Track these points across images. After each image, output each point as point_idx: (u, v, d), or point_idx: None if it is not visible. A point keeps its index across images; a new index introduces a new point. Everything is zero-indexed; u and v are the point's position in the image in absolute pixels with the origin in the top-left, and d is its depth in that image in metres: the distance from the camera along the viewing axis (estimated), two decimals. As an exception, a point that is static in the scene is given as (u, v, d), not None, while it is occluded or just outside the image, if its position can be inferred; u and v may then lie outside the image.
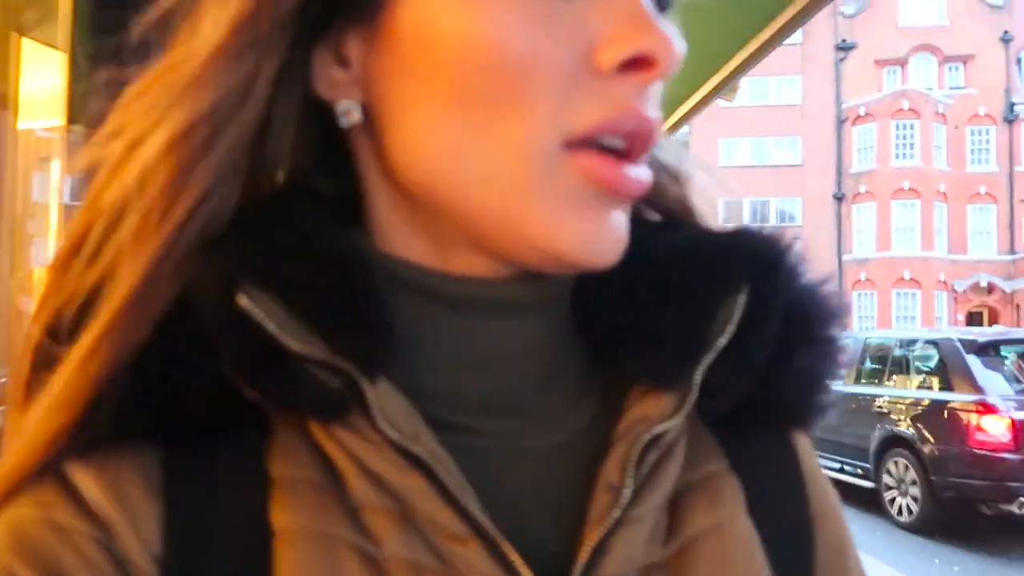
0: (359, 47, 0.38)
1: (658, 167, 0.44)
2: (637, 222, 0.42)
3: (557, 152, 0.36)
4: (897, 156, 27.85)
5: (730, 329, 0.41)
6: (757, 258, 0.43)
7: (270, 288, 0.36)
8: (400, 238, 0.40)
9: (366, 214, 0.41)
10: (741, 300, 0.41)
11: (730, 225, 0.46)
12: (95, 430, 0.35)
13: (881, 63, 29.57)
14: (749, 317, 0.41)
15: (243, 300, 0.35)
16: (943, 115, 28.17)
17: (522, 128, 0.35)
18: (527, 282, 0.40)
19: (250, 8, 0.36)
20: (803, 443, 0.47)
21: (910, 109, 27.65)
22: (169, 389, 0.36)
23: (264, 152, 0.39)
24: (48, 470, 0.36)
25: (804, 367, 0.44)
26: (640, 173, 0.37)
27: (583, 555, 0.37)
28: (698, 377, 0.40)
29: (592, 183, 0.36)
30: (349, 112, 0.39)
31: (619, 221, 0.38)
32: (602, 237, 0.37)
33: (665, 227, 0.44)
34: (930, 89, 28.62)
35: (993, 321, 28.09)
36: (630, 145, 0.37)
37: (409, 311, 0.39)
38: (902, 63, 29.62)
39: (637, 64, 0.36)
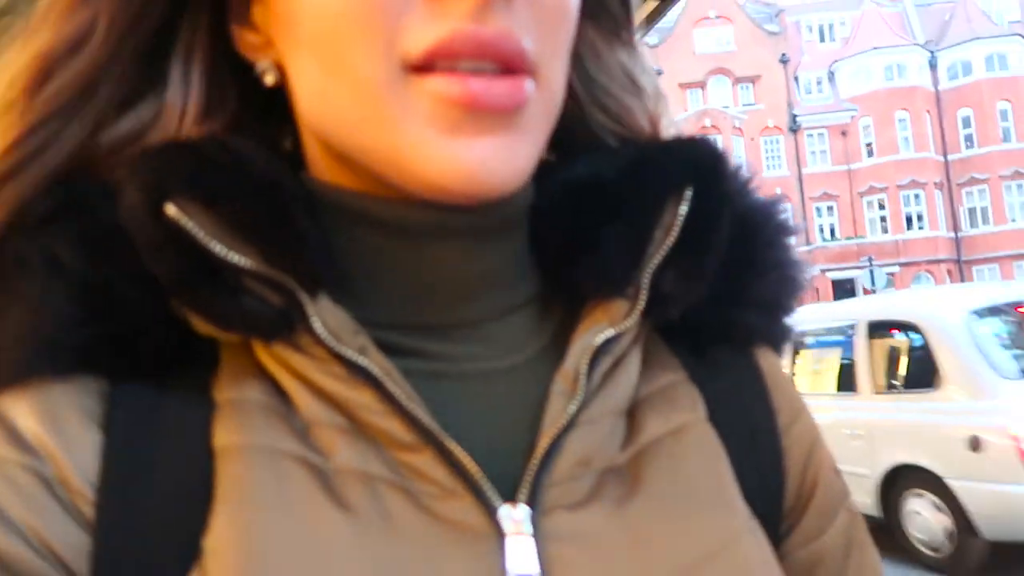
0: (260, 10, 0.39)
1: (622, 83, 0.45)
2: (591, 147, 0.44)
3: (402, 78, 0.34)
4: (706, 167, 31.51)
5: (674, 231, 0.40)
6: (697, 161, 0.43)
7: (200, 200, 0.35)
8: (340, 179, 0.39)
9: (308, 165, 0.41)
10: (686, 198, 0.41)
11: (669, 136, 0.45)
12: (34, 364, 0.35)
13: (684, 86, 33.22)
14: (696, 222, 0.41)
15: (171, 209, 0.34)
16: (740, 128, 32.14)
17: (361, 59, 0.34)
18: (477, 209, 0.38)
19: None
20: (766, 357, 0.47)
21: (712, 125, 31.32)
22: (113, 324, 0.36)
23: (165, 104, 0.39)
24: None
25: (762, 291, 0.44)
26: (508, 87, 0.34)
27: (535, 457, 0.37)
28: (646, 280, 0.40)
29: (445, 104, 0.34)
30: (265, 72, 0.40)
31: (502, 145, 0.35)
32: (477, 162, 0.34)
33: (618, 149, 0.45)
34: (727, 107, 32.60)
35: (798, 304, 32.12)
36: (499, 66, 0.34)
37: (359, 240, 0.39)
38: (702, 85, 33.44)
39: None
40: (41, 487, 0.34)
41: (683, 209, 0.41)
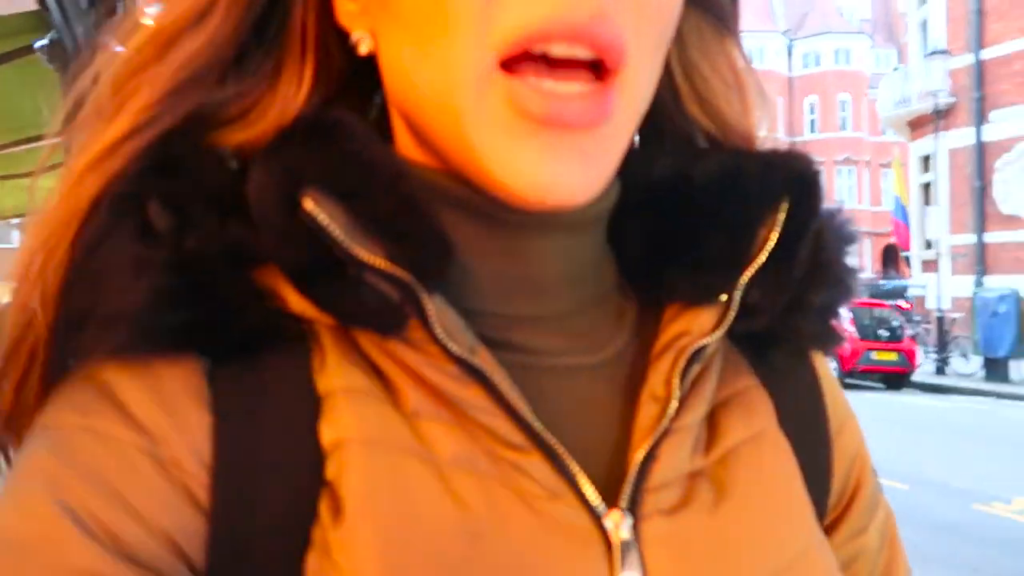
0: None
1: (725, 76, 0.44)
2: (681, 145, 0.44)
3: (490, 73, 0.33)
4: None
5: (769, 245, 0.41)
6: (797, 177, 0.42)
7: (333, 195, 0.35)
8: (425, 159, 0.39)
9: (395, 141, 0.41)
10: (781, 218, 0.41)
11: (766, 146, 0.45)
12: (134, 335, 0.34)
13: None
14: (786, 236, 0.41)
15: (309, 204, 0.34)
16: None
17: (452, 45, 0.33)
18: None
19: None
20: (820, 362, 0.49)
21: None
22: (209, 302, 0.35)
23: (278, 75, 0.39)
24: (86, 375, 0.35)
25: (824, 299, 0.44)
26: (590, 106, 0.33)
27: (634, 463, 0.37)
28: (739, 292, 0.41)
29: (523, 115, 0.33)
30: (360, 40, 0.39)
31: (579, 160, 0.34)
32: (551, 176, 0.34)
33: (707, 151, 0.44)
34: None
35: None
36: (592, 52, 0.33)
37: (454, 228, 0.37)
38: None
39: None
40: (157, 470, 0.33)
41: (778, 230, 0.41)
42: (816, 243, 0.43)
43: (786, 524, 0.40)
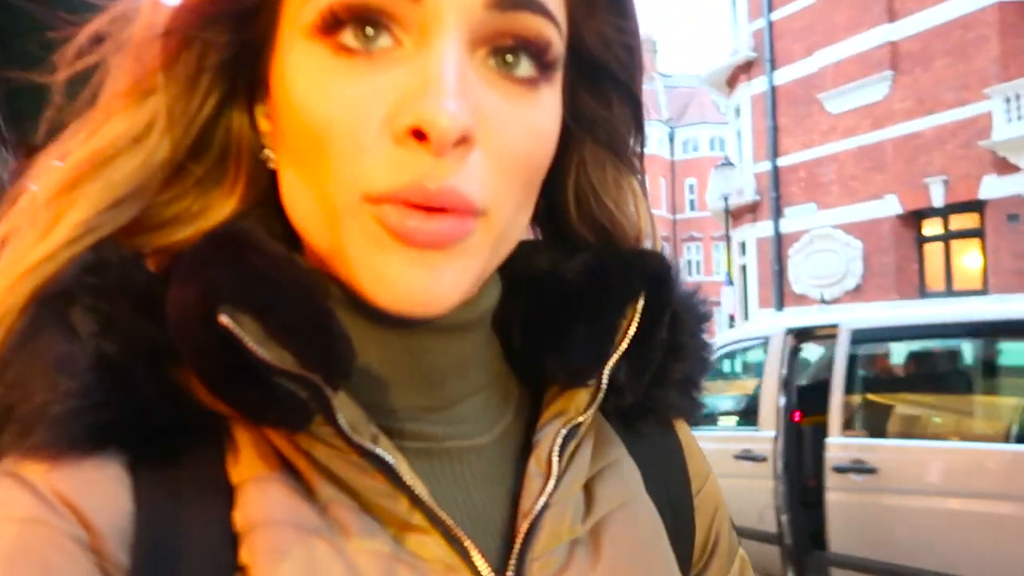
0: (266, 106, 0.44)
1: (607, 204, 0.50)
2: (557, 246, 0.51)
3: (359, 205, 0.38)
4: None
5: (631, 332, 0.47)
6: (653, 272, 0.49)
7: (246, 309, 0.38)
8: (322, 267, 0.42)
9: (304, 246, 0.44)
10: (638, 310, 0.47)
11: (628, 247, 0.51)
12: (55, 435, 0.36)
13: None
14: (645, 323, 0.47)
15: (224, 319, 0.37)
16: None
17: (325, 185, 0.38)
18: (461, 305, 0.42)
19: (146, 68, 0.41)
20: (682, 428, 0.56)
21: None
22: (133, 400, 0.37)
23: (210, 188, 0.44)
24: (3, 470, 0.36)
25: (682, 373, 0.51)
26: (441, 227, 0.38)
27: (520, 534, 0.42)
28: (606, 375, 0.47)
29: (386, 230, 0.38)
30: (268, 159, 0.44)
31: (434, 273, 0.38)
32: (408, 286, 0.38)
33: (577, 250, 0.50)
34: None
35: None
36: (436, 208, 0.37)
37: (355, 331, 0.41)
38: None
39: (418, 134, 0.36)
40: (81, 553, 0.35)
41: (636, 319, 0.47)
42: (673, 325, 0.50)
43: None
